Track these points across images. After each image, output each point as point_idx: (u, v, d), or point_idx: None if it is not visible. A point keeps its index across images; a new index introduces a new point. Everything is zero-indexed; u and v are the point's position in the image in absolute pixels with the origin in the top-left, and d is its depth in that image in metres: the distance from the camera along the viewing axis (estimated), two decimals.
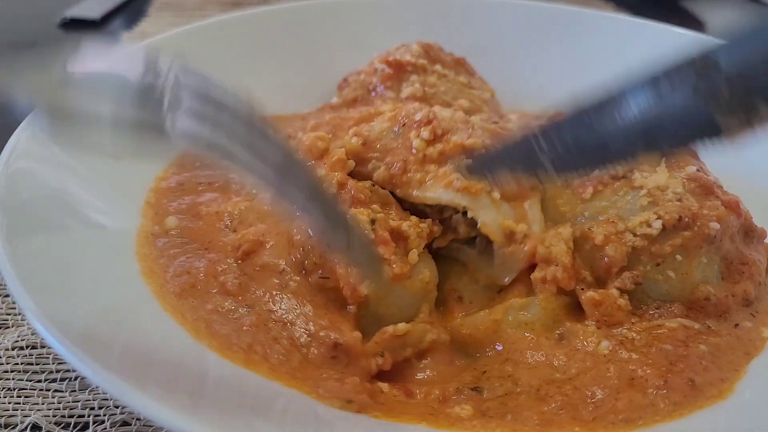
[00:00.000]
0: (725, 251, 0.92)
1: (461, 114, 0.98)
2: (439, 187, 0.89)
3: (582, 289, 0.89)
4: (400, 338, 0.83)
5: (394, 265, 0.84)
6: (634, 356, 0.83)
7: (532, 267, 0.90)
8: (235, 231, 0.95)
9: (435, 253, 0.92)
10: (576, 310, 0.90)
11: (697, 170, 0.95)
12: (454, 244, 0.94)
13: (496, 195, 0.89)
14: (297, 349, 0.80)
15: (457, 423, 0.76)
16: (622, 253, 0.88)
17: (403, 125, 0.94)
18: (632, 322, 0.87)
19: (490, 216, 0.89)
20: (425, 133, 0.92)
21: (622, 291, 0.88)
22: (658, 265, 0.88)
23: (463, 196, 0.88)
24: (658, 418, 0.76)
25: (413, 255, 0.86)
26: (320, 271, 0.85)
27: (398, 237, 0.86)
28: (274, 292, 0.85)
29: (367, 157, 0.95)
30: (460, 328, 0.89)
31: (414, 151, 0.92)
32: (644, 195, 0.91)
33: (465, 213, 0.90)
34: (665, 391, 0.79)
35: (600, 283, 0.90)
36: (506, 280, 0.91)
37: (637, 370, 0.81)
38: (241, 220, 0.97)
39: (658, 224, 0.88)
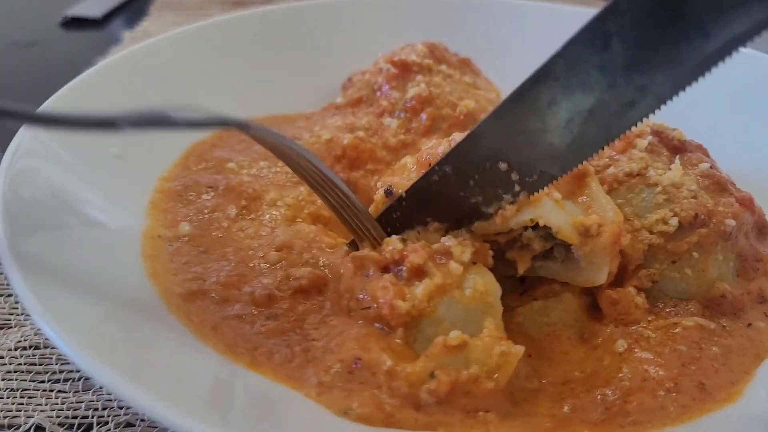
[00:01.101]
0: (740, 248, 0.92)
1: None
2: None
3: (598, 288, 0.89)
4: (458, 351, 0.74)
5: (435, 276, 0.78)
6: (649, 356, 0.82)
7: None
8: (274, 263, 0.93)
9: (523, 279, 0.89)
10: (594, 310, 0.89)
11: (710, 167, 0.95)
12: (536, 263, 0.88)
13: (557, 195, 0.84)
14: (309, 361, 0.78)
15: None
16: (639, 251, 0.88)
17: (429, 165, 0.87)
18: (649, 320, 0.86)
19: (560, 218, 0.83)
20: None
21: (639, 289, 0.88)
22: (674, 262, 0.88)
23: (527, 209, 0.82)
24: (667, 421, 0.76)
25: (454, 265, 0.79)
26: (360, 304, 0.81)
27: (443, 253, 0.81)
28: (312, 315, 0.84)
29: None
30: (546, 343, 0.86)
31: None
32: (660, 192, 0.91)
33: (533, 227, 0.84)
34: (675, 393, 0.78)
35: (617, 281, 0.89)
36: (602, 278, 0.85)
37: (650, 371, 0.81)
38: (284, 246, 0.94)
39: (674, 221, 0.88)
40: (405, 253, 0.81)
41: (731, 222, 0.88)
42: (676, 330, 0.85)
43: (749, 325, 0.89)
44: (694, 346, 0.83)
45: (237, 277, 0.88)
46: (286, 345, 0.80)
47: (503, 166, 0.79)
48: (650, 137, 0.97)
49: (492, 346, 0.75)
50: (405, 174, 0.91)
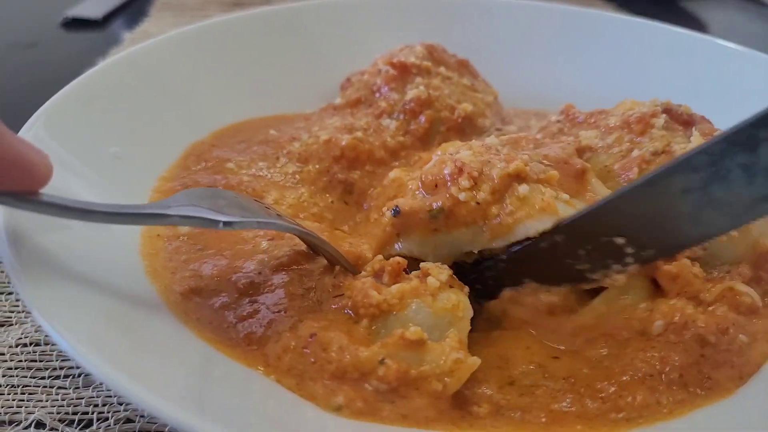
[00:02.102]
0: None
1: (476, 144, 0.94)
2: (524, 222, 0.84)
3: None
4: (414, 347, 0.75)
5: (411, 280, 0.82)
6: (675, 341, 0.82)
7: None
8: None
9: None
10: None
11: None
12: None
13: (565, 196, 0.86)
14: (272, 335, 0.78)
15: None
16: None
17: (435, 186, 0.88)
18: (708, 289, 0.87)
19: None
20: (465, 182, 0.86)
21: (692, 260, 0.89)
22: None
23: (545, 220, 0.84)
24: (659, 416, 0.77)
25: (432, 279, 0.82)
26: (334, 291, 0.83)
27: (423, 275, 0.84)
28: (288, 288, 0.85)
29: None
30: (574, 337, 0.87)
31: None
32: None
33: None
34: (675, 387, 0.79)
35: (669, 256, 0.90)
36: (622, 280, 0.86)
37: (661, 362, 0.81)
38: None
39: None
40: (385, 265, 0.84)
41: None
42: (718, 308, 0.85)
43: None
44: (722, 339, 0.83)
45: (227, 267, 0.89)
46: (257, 324, 0.81)
47: (620, 240, 0.81)
48: (663, 115, 0.98)
49: (449, 351, 0.76)
50: (410, 195, 0.91)
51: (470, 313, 0.83)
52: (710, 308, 0.85)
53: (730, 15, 2.39)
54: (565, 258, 0.84)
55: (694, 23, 2.23)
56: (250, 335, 0.80)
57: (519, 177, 0.86)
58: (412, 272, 0.85)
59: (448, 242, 0.88)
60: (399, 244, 0.90)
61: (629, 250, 0.82)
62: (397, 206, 0.88)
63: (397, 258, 0.85)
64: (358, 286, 0.81)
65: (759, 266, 0.92)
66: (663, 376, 0.80)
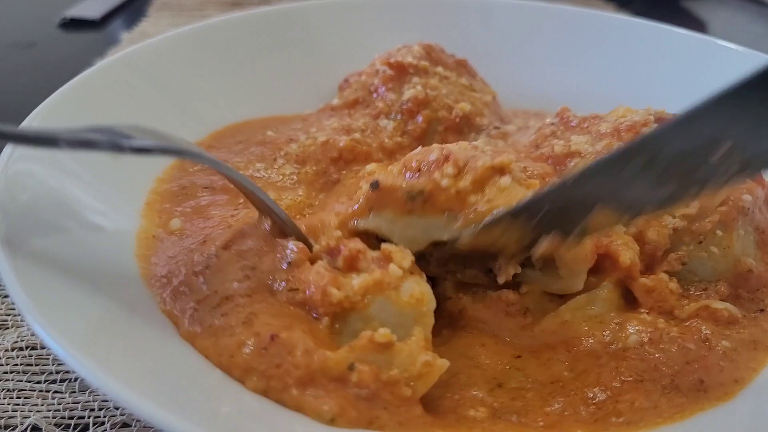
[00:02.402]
0: (757, 222, 0.95)
1: (465, 143, 0.93)
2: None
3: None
4: (383, 350, 0.72)
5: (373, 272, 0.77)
6: (654, 353, 0.83)
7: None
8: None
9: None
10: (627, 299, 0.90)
11: None
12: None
13: None
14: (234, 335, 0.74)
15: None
16: (665, 236, 0.90)
17: (418, 171, 0.86)
18: (683, 305, 0.88)
19: None
20: (449, 168, 0.84)
21: (670, 274, 0.90)
22: (700, 243, 0.91)
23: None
24: (659, 420, 0.76)
25: (394, 268, 0.78)
26: (288, 284, 0.78)
27: (383, 258, 0.80)
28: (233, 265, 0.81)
29: None
30: (532, 339, 0.87)
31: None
32: None
33: None
34: (670, 392, 0.79)
35: (647, 268, 0.91)
36: (580, 286, 0.88)
37: (649, 369, 0.81)
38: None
39: (695, 203, 0.90)
40: (342, 243, 0.80)
41: (748, 197, 0.92)
42: (694, 322, 0.86)
43: (761, 310, 0.90)
44: (703, 345, 0.84)
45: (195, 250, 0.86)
46: (210, 310, 0.77)
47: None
48: (656, 125, 0.98)
49: (417, 353, 0.73)
50: (390, 174, 0.89)
51: (434, 305, 0.80)
52: (685, 324, 0.86)
53: (730, 15, 2.38)
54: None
55: (694, 23, 2.22)
56: (203, 324, 0.76)
57: (502, 170, 0.85)
58: (373, 252, 0.81)
59: (419, 226, 0.85)
60: (367, 219, 0.87)
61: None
62: (376, 180, 0.86)
63: (357, 245, 0.80)
64: (313, 279, 0.76)
65: (738, 285, 0.91)
66: (654, 382, 0.80)
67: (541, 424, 0.76)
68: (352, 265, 0.79)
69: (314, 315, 0.77)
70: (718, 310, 0.87)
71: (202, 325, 0.77)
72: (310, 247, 0.83)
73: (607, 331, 0.86)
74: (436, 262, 0.90)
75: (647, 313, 0.88)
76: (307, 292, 0.76)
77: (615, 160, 0.73)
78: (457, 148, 0.89)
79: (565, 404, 0.78)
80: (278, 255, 0.82)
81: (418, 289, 0.78)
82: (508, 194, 0.83)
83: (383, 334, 0.72)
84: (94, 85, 1.10)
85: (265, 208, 0.85)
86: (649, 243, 0.90)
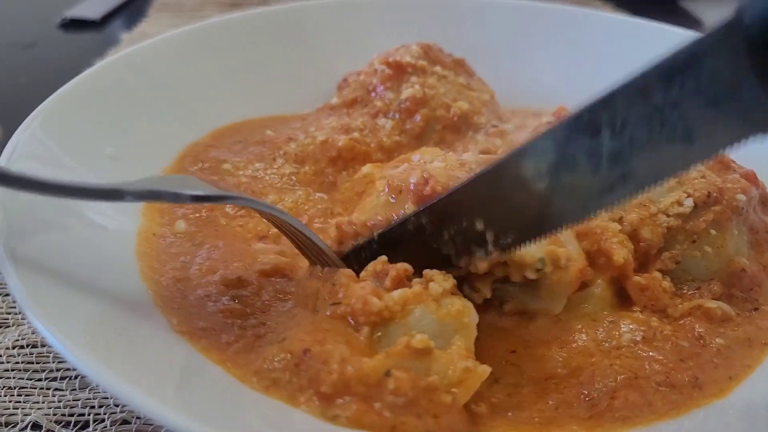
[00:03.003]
0: (751, 222, 0.95)
1: (452, 157, 0.93)
2: None
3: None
4: (420, 356, 0.71)
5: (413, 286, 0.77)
6: (647, 351, 0.83)
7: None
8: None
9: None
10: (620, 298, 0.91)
11: None
12: (494, 286, 0.88)
13: None
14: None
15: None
16: (659, 235, 0.91)
17: (399, 192, 0.87)
18: (676, 305, 0.88)
19: (533, 247, 0.82)
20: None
21: (663, 273, 0.90)
22: (694, 242, 0.91)
23: None
24: (654, 417, 0.77)
25: (435, 285, 0.78)
26: (331, 298, 0.78)
27: (427, 281, 0.80)
28: (277, 304, 0.84)
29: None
30: (527, 337, 0.87)
31: None
32: None
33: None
34: (665, 388, 0.80)
35: (640, 267, 0.91)
36: (559, 309, 0.88)
37: (643, 366, 0.82)
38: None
39: (689, 202, 0.90)
40: (390, 267, 0.80)
41: (742, 197, 0.92)
42: (687, 321, 0.87)
43: (756, 309, 0.91)
44: (697, 343, 0.84)
45: (219, 261, 0.88)
46: (240, 327, 0.80)
47: (480, 225, 0.79)
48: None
49: (457, 360, 0.72)
50: (375, 195, 0.90)
51: (476, 319, 0.79)
52: (679, 323, 0.87)
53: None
54: (431, 242, 0.81)
55: (694, 23, 2.23)
56: (227, 333, 0.79)
57: None
58: (414, 279, 0.81)
59: None
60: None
61: (489, 236, 0.78)
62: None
63: (404, 264, 0.80)
64: (357, 292, 0.76)
65: (731, 284, 0.92)
66: (647, 379, 0.80)
67: (536, 420, 0.77)
68: (398, 285, 0.78)
69: (353, 326, 0.75)
70: (711, 309, 0.88)
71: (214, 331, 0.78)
72: None
73: (601, 329, 0.86)
74: None
75: (640, 311, 0.88)
76: (349, 304, 0.76)
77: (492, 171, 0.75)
78: (441, 168, 0.88)
79: (559, 401, 0.79)
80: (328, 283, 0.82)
81: (459, 303, 0.78)
82: None
83: (420, 339, 0.71)
84: (94, 85, 1.11)
85: (316, 252, 0.86)
86: (643, 241, 0.91)
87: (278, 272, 0.88)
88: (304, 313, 0.81)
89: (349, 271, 0.81)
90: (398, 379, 0.69)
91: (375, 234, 0.86)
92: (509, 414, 0.77)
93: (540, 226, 0.77)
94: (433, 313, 0.75)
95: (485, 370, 0.74)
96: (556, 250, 0.84)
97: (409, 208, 0.85)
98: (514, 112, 1.37)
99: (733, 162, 0.98)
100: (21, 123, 0.96)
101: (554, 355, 0.85)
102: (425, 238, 0.82)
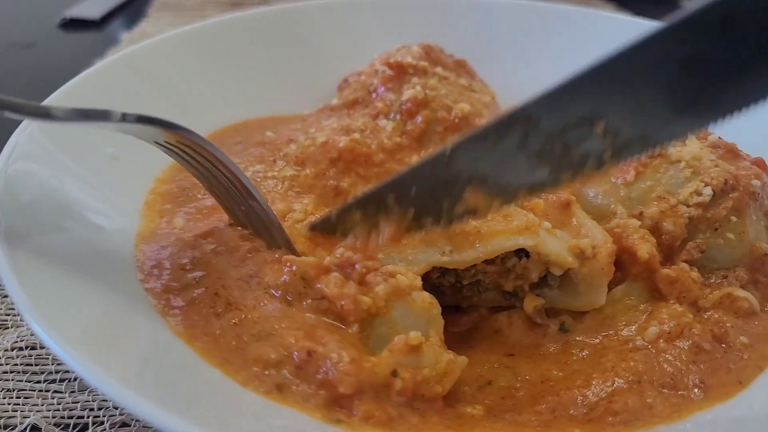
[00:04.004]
0: (765, 207, 0.96)
1: None
2: (494, 239, 0.84)
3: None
4: (415, 352, 0.74)
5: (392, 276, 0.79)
6: (665, 354, 0.83)
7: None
8: None
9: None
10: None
11: (718, 137, 0.99)
12: (534, 292, 0.90)
13: (547, 224, 0.86)
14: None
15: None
16: (681, 226, 0.91)
17: None
18: (706, 295, 0.89)
19: (556, 244, 0.85)
20: None
21: (690, 264, 0.90)
22: (716, 230, 0.92)
23: (526, 238, 0.84)
24: (656, 420, 0.76)
25: (401, 278, 0.80)
26: (313, 294, 0.79)
27: (389, 274, 0.81)
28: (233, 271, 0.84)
29: None
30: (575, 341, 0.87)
31: None
32: (685, 167, 0.95)
33: (521, 257, 0.87)
34: (667, 390, 0.79)
35: (666, 259, 0.91)
36: (602, 299, 0.88)
37: (654, 367, 0.81)
38: None
39: (708, 191, 0.91)
40: (355, 258, 0.81)
41: (757, 182, 0.93)
42: (717, 314, 0.87)
43: None
44: (718, 345, 0.84)
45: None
46: (211, 308, 0.79)
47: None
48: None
49: (441, 352, 0.77)
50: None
51: (440, 309, 0.82)
52: (707, 314, 0.86)
53: None
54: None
55: None
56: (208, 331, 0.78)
57: None
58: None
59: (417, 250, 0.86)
60: None
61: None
62: None
63: (374, 262, 0.82)
64: (345, 292, 0.78)
65: (755, 270, 0.92)
66: (651, 383, 0.80)
67: (534, 422, 0.76)
68: (364, 280, 0.80)
69: (339, 320, 0.77)
70: (739, 298, 0.88)
71: (207, 332, 0.78)
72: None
73: (634, 325, 0.86)
74: (450, 291, 0.92)
75: (676, 303, 0.88)
76: (339, 304, 0.77)
77: (487, 134, 0.74)
78: None
79: (555, 404, 0.79)
80: (284, 268, 0.82)
81: (426, 295, 0.81)
82: (511, 219, 0.85)
83: (415, 336, 0.75)
84: (94, 85, 1.11)
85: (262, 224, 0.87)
86: (666, 234, 0.91)
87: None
88: (273, 301, 0.80)
89: (314, 262, 0.81)
90: (404, 379, 0.72)
91: (352, 200, 0.85)
92: (507, 416, 0.77)
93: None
94: (411, 307, 0.79)
95: (463, 360, 0.79)
96: (579, 243, 0.85)
97: None
98: None
99: (740, 150, 0.99)
100: (20, 123, 0.95)
101: (552, 358, 0.85)
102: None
